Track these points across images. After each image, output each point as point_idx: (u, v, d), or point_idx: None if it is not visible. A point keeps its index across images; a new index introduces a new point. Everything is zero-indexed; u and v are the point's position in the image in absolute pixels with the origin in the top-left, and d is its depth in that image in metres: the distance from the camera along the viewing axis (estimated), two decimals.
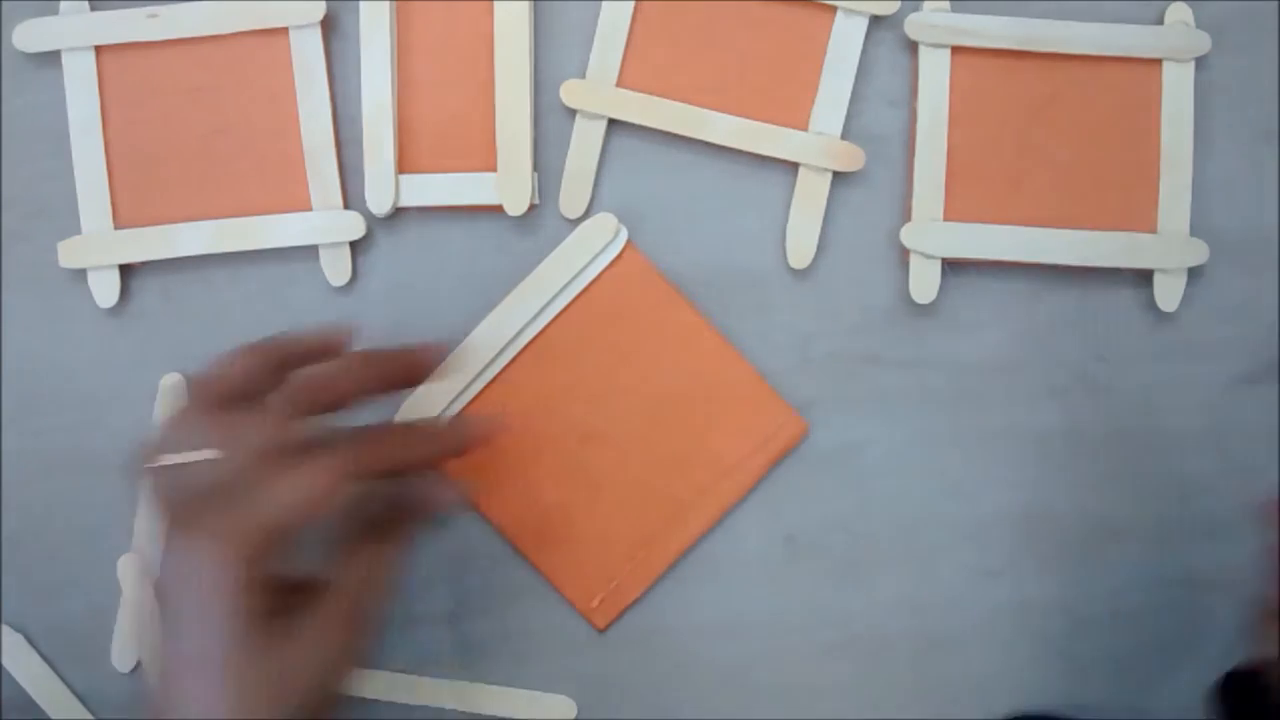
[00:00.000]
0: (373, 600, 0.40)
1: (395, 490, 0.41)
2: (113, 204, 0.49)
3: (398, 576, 0.40)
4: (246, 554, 0.36)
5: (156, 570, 0.38)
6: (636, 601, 0.48)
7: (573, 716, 0.48)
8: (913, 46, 0.49)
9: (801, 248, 0.49)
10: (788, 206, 0.49)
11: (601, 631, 0.48)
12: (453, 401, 0.47)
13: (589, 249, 0.47)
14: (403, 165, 0.49)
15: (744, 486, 0.48)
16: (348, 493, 0.37)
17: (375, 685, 0.48)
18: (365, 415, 0.40)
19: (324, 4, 0.48)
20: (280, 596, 0.37)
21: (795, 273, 0.49)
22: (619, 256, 0.48)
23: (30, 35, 0.48)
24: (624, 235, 0.48)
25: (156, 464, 0.37)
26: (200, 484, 0.36)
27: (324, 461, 0.37)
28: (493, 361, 0.48)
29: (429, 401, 0.47)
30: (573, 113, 0.49)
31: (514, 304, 0.47)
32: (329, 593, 0.39)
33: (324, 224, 0.48)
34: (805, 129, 0.49)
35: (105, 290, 0.49)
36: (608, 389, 0.48)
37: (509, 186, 0.48)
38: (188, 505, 0.37)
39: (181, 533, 0.36)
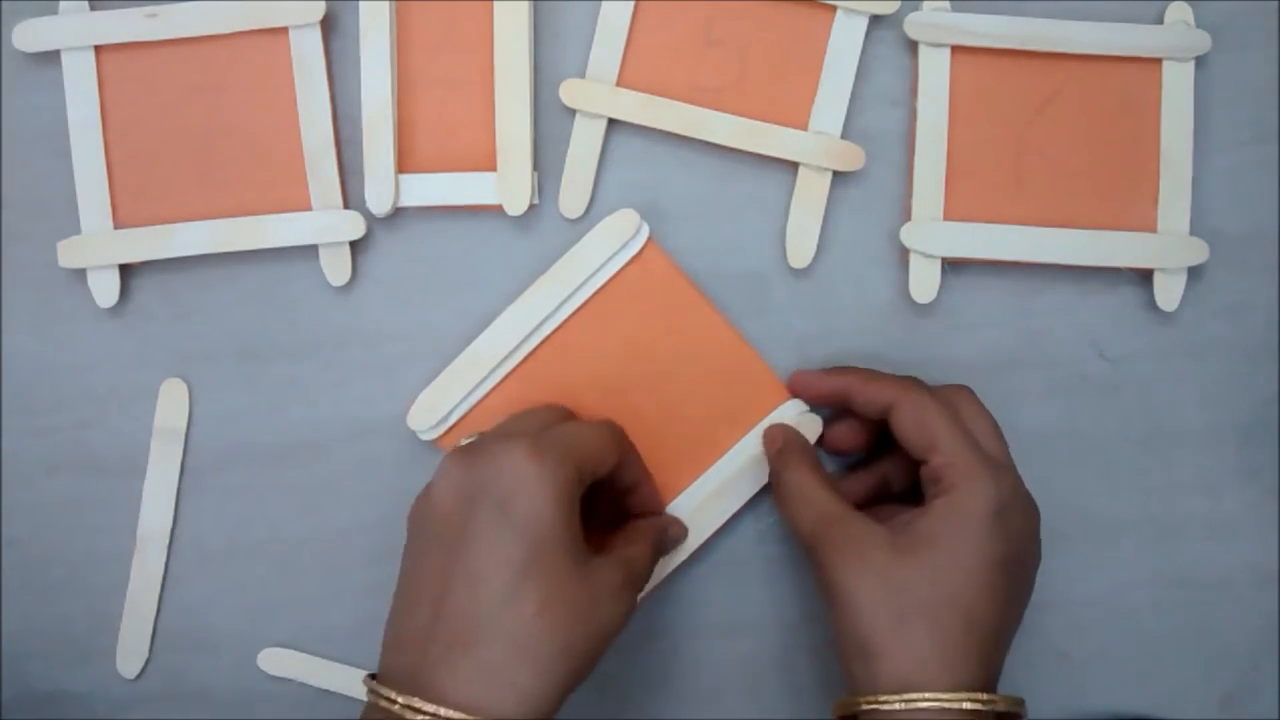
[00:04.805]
0: (644, 576, 0.42)
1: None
2: (112, 204, 0.49)
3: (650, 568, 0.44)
4: (570, 473, 0.39)
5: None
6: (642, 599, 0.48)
7: None
8: (913, 46, 0.49)
9: (801, 248, 0.49)
10: (788, 206, 0.49)
11: None
12: (470, 393, 0.47)
13: (610, 244, 0.47)
14: (403, 165, 0.49)
15: (760, 483, 0.48)
16: (618, 455, 0.42)
17: None
18: None
19: (324, 4, 0.48)
20: (580, 538, 0.40)
21: (795, 273, 0.49)
22: (640, 253, 0.48)
23: (30, 35, 0.48)
24: (645, 231, 0.48)
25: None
26: (525, 423, 0.43)
27: (611, 426, 0.43)
28: (511, 354, 0.47)
29: (444, 393, 0.47)
30: (573, 112, 0.49)
31: (534, 297, 0.47)
32: (613, 557, 0.41)
33: (324, 224, 0.48)
34: (805, 129, 0.49)
35: (105, 290, 0.49)
36: (625, 385, 0.48)
37: (509, 186, 0.48)
38: (517, 429, 0.42)
39: (519, 444, 0.39)
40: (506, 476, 0.39)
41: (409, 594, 0.40)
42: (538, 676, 0.37)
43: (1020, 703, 0.40)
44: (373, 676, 0.39)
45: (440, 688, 0.37)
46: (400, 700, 0.37)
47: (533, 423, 0.43)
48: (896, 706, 0.38)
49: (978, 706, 0.38)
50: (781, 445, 0.46)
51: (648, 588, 0.47)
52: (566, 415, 0.46)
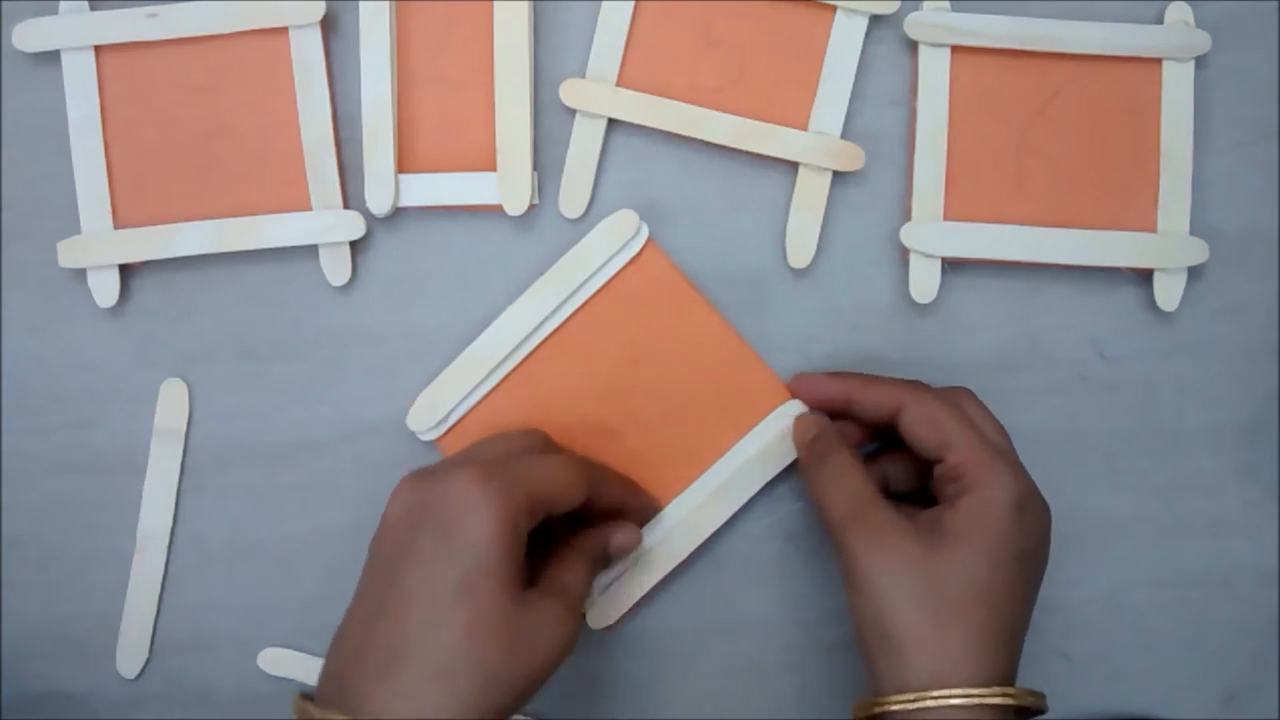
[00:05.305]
0: (581, 598, 0.42)
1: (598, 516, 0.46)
2: (113, 204, 0.49)
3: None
4: (519, 503, 0.39)
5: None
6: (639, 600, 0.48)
7: None
8: (913, 46, 0.49)
9: (801, 248, 0.49)
10: (788, 206, 0.49)
11: (609, 629, 0.48)
12: (470, 394, 0.47)
13: (610, 245, 0.47)
14: (403, 165, 0.49)
15: (760, 483, 0.48)
16: (584, 493, 0.42)
17: None
18: None
19: (324, 4, 0.48)
20: (519, 570, 0.39)
21: (795, 273, 0.49)
22: (639, 254, 0.48)
23: (30, 35, 0.48)
24: (645, 232, 0.48)
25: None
26: (493, 448, 0.43)
27: (577, 463, 0.43)
28: (510, 355, 0.47)
29: (444, 394, 0.47)
30: (573, 112, 0.49)
31: (533, 298, 0.47)
32: (550, 588, 0.41)
33: (324, 224, 0.48)
34: (805, 129, 0.49)
35: (105, 290, 0.49)
36: (625, 386, 0.48)
37: (509, 186, 0.48)
38: (477, 455, 0.42)
39: (469, 470, 0.39)
40: (453, 502, 0.38)
41: (350, 612, 0.40)
42: (457, 703, 0.37)
43: (1042, 698, 0.40)
44: (308, 697, 0.39)
45: (360, 706, 0.37)
46: (318, 715, 0.37)
47: (499, 449, 0.43)
48: (929, 704, 0.38)
49: (1008, 701, 0.38)
50: (818, 432, 0.46)
51: (624, 609, 0.47)
52: (541, 442, 0.45)
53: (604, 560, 0.45)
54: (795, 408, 0.48)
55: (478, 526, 0.38)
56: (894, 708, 0.39)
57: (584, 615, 0.42)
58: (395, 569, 0.39)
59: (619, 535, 0.45)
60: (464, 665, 0.37)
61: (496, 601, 0.38)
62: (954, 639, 0.39)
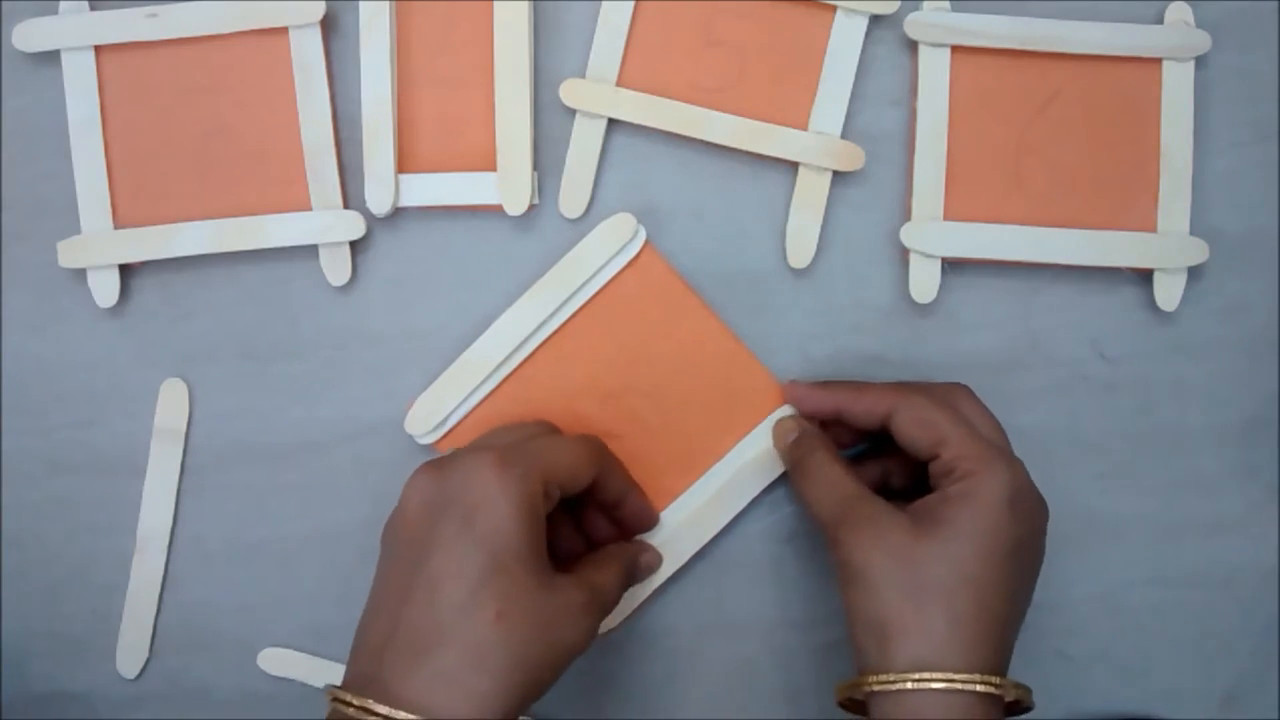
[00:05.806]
0: (610, 600, 0.42)
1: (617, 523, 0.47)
2: (112, 204, 0.49)
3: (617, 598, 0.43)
4: (536, 485, 0.39)
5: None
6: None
7: None
8: (913, 46, 0.49)
9: (801, 248, 0.49)
10: (788, 206, 0.49)
11: (611, 631, 0.48)
12: (468, 397, 0.47)
13: (607, 248, 0.47)
14: (403, 165, 0.49)
15: (760, 485, 0.48)
16: (595, 470, 0.43)
17: None
18: None
19: (324, 4, 0.48)
20: (543, 553, 0.40)
21: (795, 273, 0.49)
22: (637, 257, 0.48)
23: (30, 35, 0.48)
24: (642, 235, 0.48)
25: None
26: (503, 437, 0.44)
27: (587, 441, 0.43)
28: (509, 358, 0.47)
29: (442, 398, 0.47)
30: (573, 112, 0.49)
31: (531, 301, 0.47)
32: (578, 578, 0.41)
33: (324, 224, 0.48)
34: (805, 129, 0.49)
35: (105, 290, 0.49)
36: (623, 388, 0.48)
37: (509, 186, 0.48)
38: (490, 443, 0.42)
39: (486, 456, 0.40)
40: (472, 488, 0.39)
41: (373, 603, 0.40)
42: (494, 684, 0.37)
43: (1028, 691, 0.40)
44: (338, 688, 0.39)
45: (397, 693, 0.37)
46: (355, 702, 0.37)
47: (509, 437, 0.43)
48: (908, 685, 0.38)
49: (989, 689, 0.38)
50: (800, 434, 0.46)
51: (626, 611, 0.47)
52: (549, 430, 0.46)
53: (634, 574, 0.46)
54: (792, 408, 0.48)
55: (499, 511, 0.38)
56: (875, 688, 0.39)
57: (605, 615, 0.42)
58: (418, 557, 0.39)
59: (646, 555, 0.47)
60: (498, 646, 0.37)
61: (524, 585, 0.38)
62: (937, 624, 0.39)
